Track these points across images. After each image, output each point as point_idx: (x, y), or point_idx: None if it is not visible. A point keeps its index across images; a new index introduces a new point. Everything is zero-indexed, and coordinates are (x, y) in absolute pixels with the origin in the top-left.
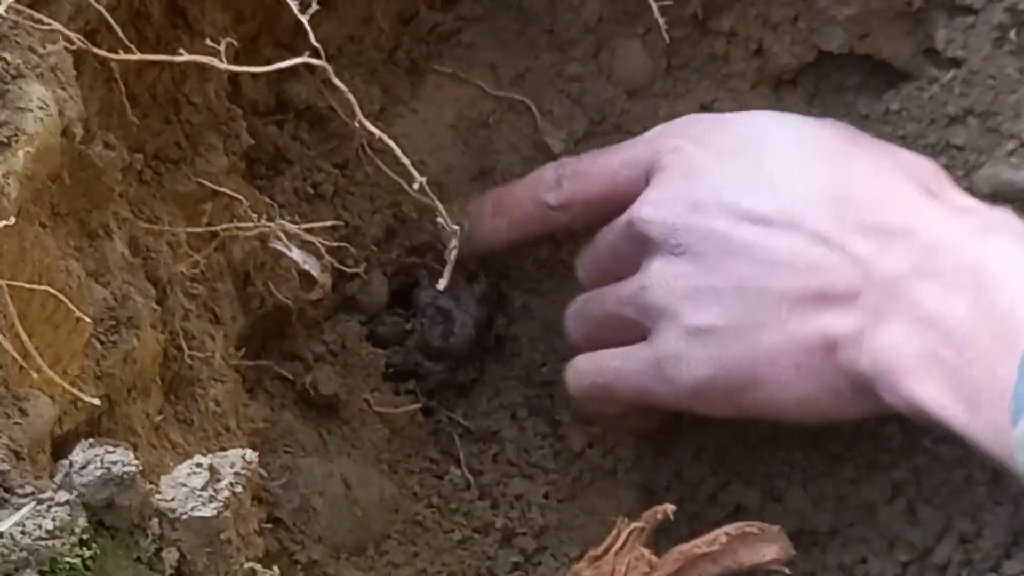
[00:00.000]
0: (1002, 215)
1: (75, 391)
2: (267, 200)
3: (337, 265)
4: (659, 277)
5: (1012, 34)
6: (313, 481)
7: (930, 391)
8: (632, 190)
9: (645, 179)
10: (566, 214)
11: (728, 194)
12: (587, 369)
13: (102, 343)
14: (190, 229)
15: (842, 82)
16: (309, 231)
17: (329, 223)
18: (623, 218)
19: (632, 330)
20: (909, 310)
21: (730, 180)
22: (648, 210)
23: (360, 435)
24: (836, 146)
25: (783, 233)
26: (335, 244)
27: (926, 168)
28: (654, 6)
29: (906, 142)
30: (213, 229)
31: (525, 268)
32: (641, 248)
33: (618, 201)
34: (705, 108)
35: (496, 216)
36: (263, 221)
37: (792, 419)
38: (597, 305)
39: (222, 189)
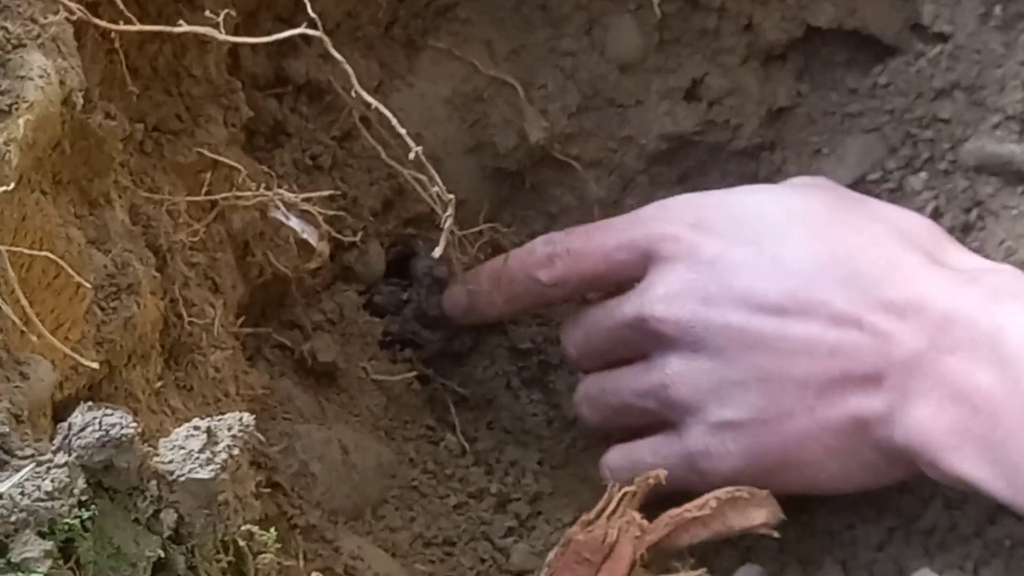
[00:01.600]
0: (1006, 277)
1: (76, 356)
2: (266, 170)
3: (335, 235)
4: (680, 375)
5: (997, 9)
6: (311, 447)
7: (968, 466)
8: (627, 272)
9: (643, 264)
10: (560, 290)
11: (738, 284)
12: (622, 465)
13: (103, 309)
14: (190, 198)
15: (831, 57)
16: (307, 201)
17: (327, 193)
18: (629, 312)
19: (653, 417)
20: (935, 387)
21: (737, 269)
22: (660, 308)
23: (358, 402)
24: (831, 215)
25: (798, 320)
26: (333, 214)
27: (923, 229)
28: None
29: (894, 115)
30: (213, 198)
31: (521, 239)
32: (652, 342)
33: (612, 280)
34: (696, 82)
35: (492, 291)
36: (262, 191)
37: (828, 492)
38: (612, 395)
39: (222, 159)
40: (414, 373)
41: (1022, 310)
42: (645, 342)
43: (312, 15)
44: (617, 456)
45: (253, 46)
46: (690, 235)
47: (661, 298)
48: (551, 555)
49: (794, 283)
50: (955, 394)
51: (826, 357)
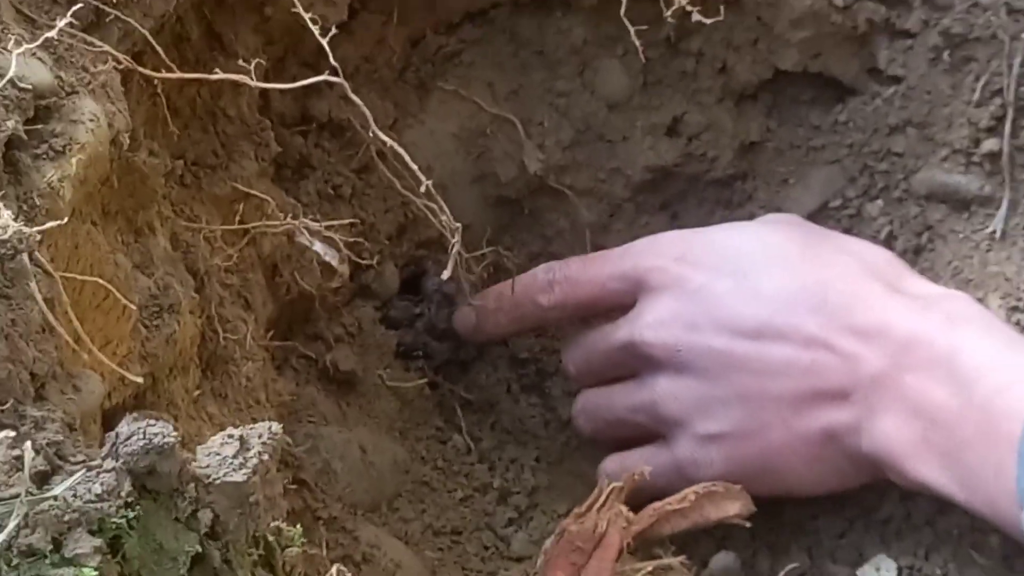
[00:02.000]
0: (960, 303)
1: (122, 370)
2: (292, 201)
3: (354, 258)
4: (668, 393)
5: (945, 55)
6: (333, 447)
7: (928, 473)
8: (619, 300)
9: (633, 292)
10: (558, 313)
11: (720, 313)
12: (617, 472)
13: (146, 327)
14: (225, 227)
15: (797, 97)
16: (329, 228)
17: (347, 221)
18: (622, 336)
19: (644, 429)
20: (898, 402)
21: (720, 299)
22: (649, 333)
23: (374, 406)
24: (802, 250)
25: (774, 344)
26: (352, 239)
27: (884, 260)
28: (631, 30)
29: (853, 149)
30: (245, 227)
31: (519, 259)
32: (642, 363)
33: (604, 306)
34: (677, 120)
35: (498, 312)
36: (289, 219)
37: (802, 495)
38: (606, 409)
39: (253, 191)
40: (425, 380)
41: (974, 334)
42: (636, 363)
43: (333, 63)
44: (613, 464)
45: (281, 89)
46: (677, 268)
47: (650, 324)
48: (547, 543)
49: (770, 311)
50: (915, 409)
51: (800, 376)
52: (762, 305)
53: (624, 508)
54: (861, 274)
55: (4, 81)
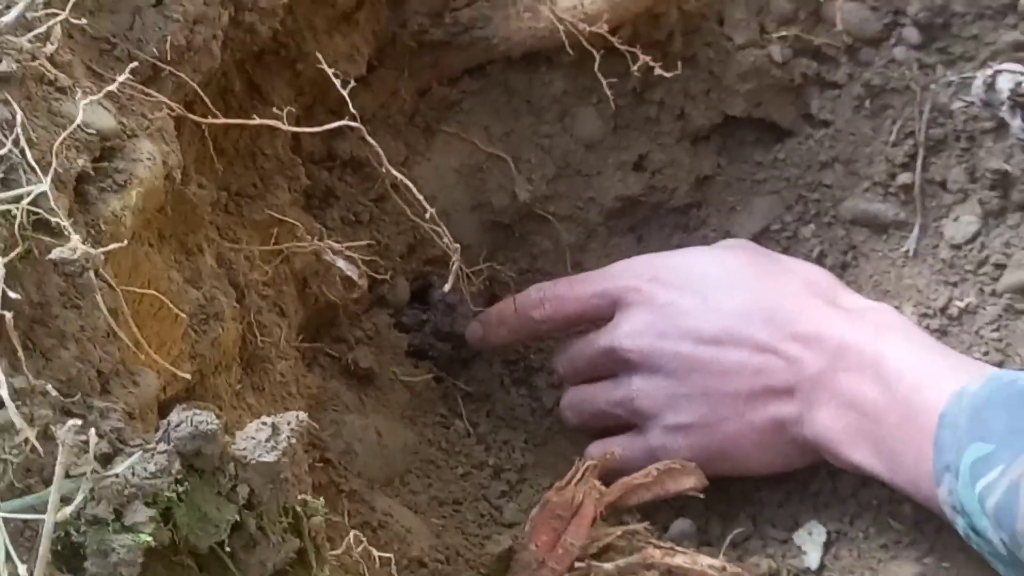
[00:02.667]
0: (887, 315)
1: (174, 369)
2: (319, 226)
3: (371, 273)
4: (642, 390)
5: (867, 103)
6: (354, 432)
7: (859, 457)
8: (600, 314)
9: (611, 308)
10: (548, 326)
11: (686, 324)
12: (599, 455)
13: (195, 332)
14: (262, 247)
15: (743, 138)
16: (350, 248)
17: (365, 243)
18: (603, 343)
19: (621, 420)
20: (834, 397)
21: (686, 313)
22: (627, 341)
23: (389, 397)
24: (755, 271)
25: (730, 349)
26: (370, 258)
27: (823, 279)
28: (604, 82)
29: (789, 182)
30: (279, 247)
31: (511, 275)
32: (620, 365)
33: (588, 319)
34: (642, 157)
35: (499, 326)
36: (316, 241)
37: (753, 475)
38: (589, 404)
39: (286, 218)
40: (431, 375)
41: (898, 340)
42: (615, 366)
43: (353, 111)
44: (596, 449)
45: (309, 132)
46: (649, 287)
47: (628, 334)
48: (533, 512)
49: (728, 322)
50: (849, 403)
51: (751, 376)
52: (721, 318)
53: (598, 483)
54: (804, 291)
55: (73, 126)
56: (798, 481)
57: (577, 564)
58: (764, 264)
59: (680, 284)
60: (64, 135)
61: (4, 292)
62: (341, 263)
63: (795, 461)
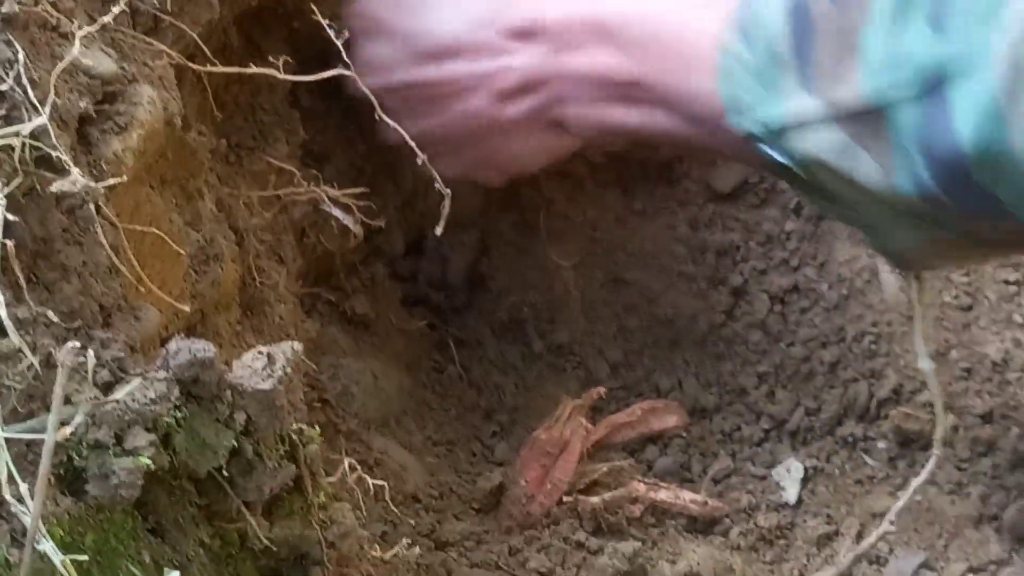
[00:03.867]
0: None
1: (176, 304)
2: (316, 173)
3: (367, 221)
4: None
5: None
6: (351, 374)
7: (625, 117)
8: None
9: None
10: None
11: (404, 50)
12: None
13: (196, 272)
14: (261, 193)
15: None
16: (347, 197)
17: (360, 190)
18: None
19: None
20: (572, 75)
21: (402, 37)
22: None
23: (385, 343)
24: None
25: (454, 63)
26: (365, 203)
27: None
28: None
29: None
30: (276, 193)
31: (502, 227)
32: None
33: None
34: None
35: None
36: (312, 187)
37: (525, 170)
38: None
39: (283, 165)
40: (425, 322)
41: (615, 5)
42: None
43: (346, 59)
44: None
45: (307, 87)
46: (368, 21)
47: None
48: (523, 451)
49: (442, 36)
50: (587, 76)
51: (490, 82)
52: (434, 36)
53: (584, 421)
54: None
55: (67, 61)
56: (775, 419)
57: (565, 498)
58: None
59: (390, 9)
60: (60, 66)
61: (5, 220)
62: (338, 212)
63: (560, 149)
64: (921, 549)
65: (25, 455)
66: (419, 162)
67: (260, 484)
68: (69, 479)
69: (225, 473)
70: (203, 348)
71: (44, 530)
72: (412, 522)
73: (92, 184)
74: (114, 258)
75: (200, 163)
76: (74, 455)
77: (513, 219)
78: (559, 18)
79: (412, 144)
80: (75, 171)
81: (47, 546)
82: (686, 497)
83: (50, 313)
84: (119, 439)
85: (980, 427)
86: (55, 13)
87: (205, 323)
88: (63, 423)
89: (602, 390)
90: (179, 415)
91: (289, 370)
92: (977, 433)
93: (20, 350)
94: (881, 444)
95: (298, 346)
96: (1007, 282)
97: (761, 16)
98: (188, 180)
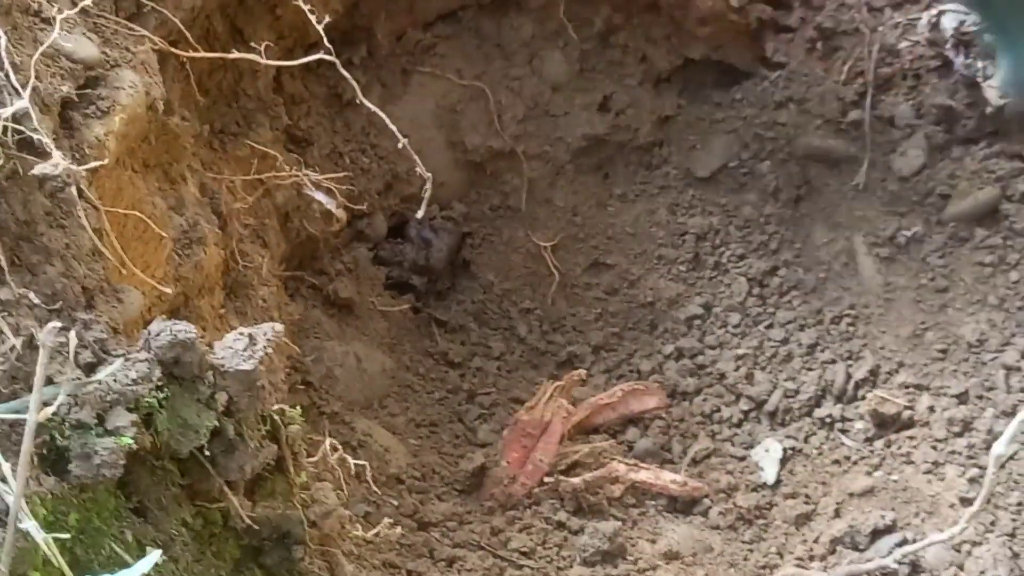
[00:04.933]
0: None
1: (159, 287)
2: (299, 157)
3: (349, 204)
4: None
5: (819, 44)
6: (334, 357)
7: None
8: None
9: None
10: None
11: None
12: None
13: (179, 256)
14: (244, 177)
15: (702, 80)
16: (330, 181)
17: (342, 174)
18: None
19: None
20: None
21: None
22: None
23: (368, 326)
24: None
25: None
26: (347, 187)
27: None
28: (569, 27)
29: (746, 120)
30: (259, 177)
31: (483, 211)
32: None
33: None
34: (606, 98)
35: None
36: (295, 171)
37: None
38: None
39: (267, 149)
40: (408, 305)
41: None
42: None
43: (327, 44)
44: None
45: (291, 73)
46: None
47: None
48: (505, 432)
49: None
50: None
51: None
52: None
53: (565, 402)
54: None
55: (47, 44)
56: (754, 400)
57: (546, 479)
58: None
59: None
60: (40, 50)
61: None
62: (321, 196)
63: None
64: (899, 527)
65: (8, 435)
66: (400, 146)
67: (242, 464)
68: (52, 459)
69: (207, 453)
70: (184, 329)
71: (27, 509)
72: (395, 503)
73: (74, 167)
74: (97, 241)
75: (183, 148)
76: (57, 435)
77: (494, 202)
78: None
79: (394, 129)
80: (57, 154)
81: (30, 525)
82: (666, 478)
83: (32, 295)
84: (101, 419)
85: (955, 407)
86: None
87: (188, 306)
88: (45, 403)
89: (583, 372)
90: (161, 395)
91: (270, 350)
92: (952, 413)
93: (1, 331)
94: (858, 425)
95: (279, 327)
96: (982, 264)
97: None
98: (171, 164)
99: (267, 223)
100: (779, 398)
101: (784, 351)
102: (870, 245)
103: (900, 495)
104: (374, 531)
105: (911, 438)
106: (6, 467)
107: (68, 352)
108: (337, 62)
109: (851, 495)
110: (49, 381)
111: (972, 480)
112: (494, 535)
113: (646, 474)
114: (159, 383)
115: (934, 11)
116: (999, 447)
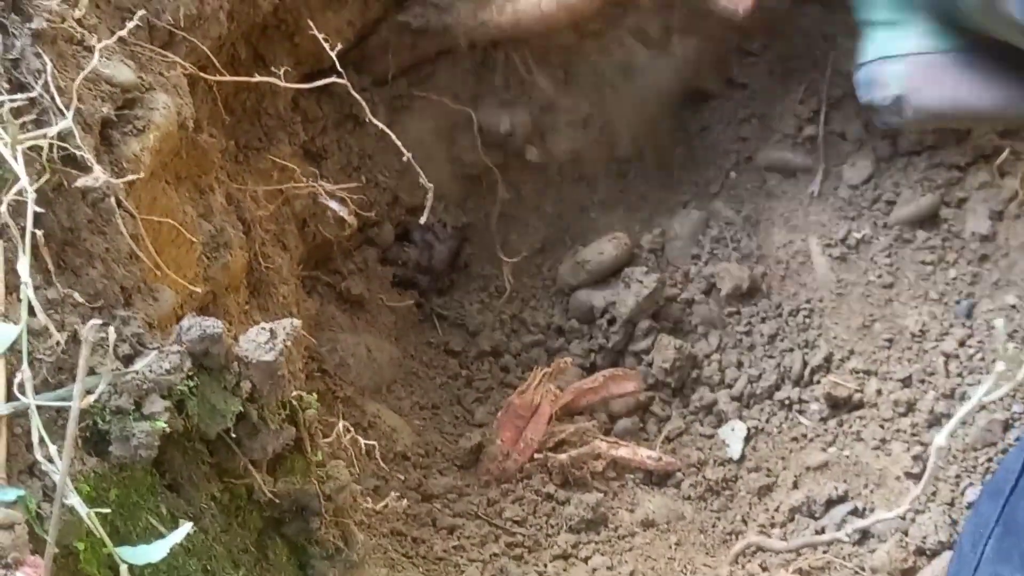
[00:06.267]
0: None
1: (189, 286)
2: (314, 170)
3: (359, 212)
4: None
5: (777, 68)
6: (347, 347)
7: None
8: None
9: None
10: None
11: None
12: None
13: (208, 258)
14: (266, 188)
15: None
16: (343, 190)
17: (354, 185)
18: None
19: None
20: None
21: None
22: None
23: (377, 319)
24: None
25: None
26: (358, 196)
27: None
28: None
29: (715, 133)
30: (280, 187)
31: (480, 219)
32: None
33: None
34: (589, 117)
35: None
36: (311, 183)
37: None
38: None
39: (285, 163)
40: (413, 301)
41: None
42: None
43: (340, 68)
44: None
45: (308, 94)
46: None
47: None
48: (500, 414)
49: None
50: None
51: None
52: None
53: (553, 387)
54: None
55: (89, 68)
56: (724, 383)
57: (536, 455)
58: None
59: None
60: (82, 75)
61: (36, 212)
62: (334, 204)
63: None
64: (850, 497)
65: (55, 420)
66: (404, 159)
67: (264, 444)
68: (94, 441)
69: (233, 435)
70: (212, 324)
71: (72, 486)
72: (401, 477)
73: (113, 180)
74: (134, 246)
75: (211, 161)
76: (98, 420)
77: (488, 211)
78: None
79: (399, 144)
80: (97, 168)
81: (75, 500)
82: (643, 454)
83: (76, 294)
84: (138, 405)
85: (900, 390)
86: (80, 28)
87: (216, 303)
88: (88, 392)
89: (568, 360)
90: (191, 384)
91: (289, 343)
92: (898, 396)
93: (48, 328)
94: (814, 406)
95: (297, 322)
96: (924, 263)
97: None
98: (200, 177)
99: (286, 228)
100: (744, 383)
101: (748, 341)
102: (824, 246)
103: (851, 469)
104: (383, 503)
105: (861, 418)
106: (53, 449)
107: (108, 346)
108: (348, 85)
109: (808, 469)
110: (91, 372)
111: (916, 457)
112: (490, 506)
113: (625, 451)
114: (190, 373)
115: None
116: (940, 439)
